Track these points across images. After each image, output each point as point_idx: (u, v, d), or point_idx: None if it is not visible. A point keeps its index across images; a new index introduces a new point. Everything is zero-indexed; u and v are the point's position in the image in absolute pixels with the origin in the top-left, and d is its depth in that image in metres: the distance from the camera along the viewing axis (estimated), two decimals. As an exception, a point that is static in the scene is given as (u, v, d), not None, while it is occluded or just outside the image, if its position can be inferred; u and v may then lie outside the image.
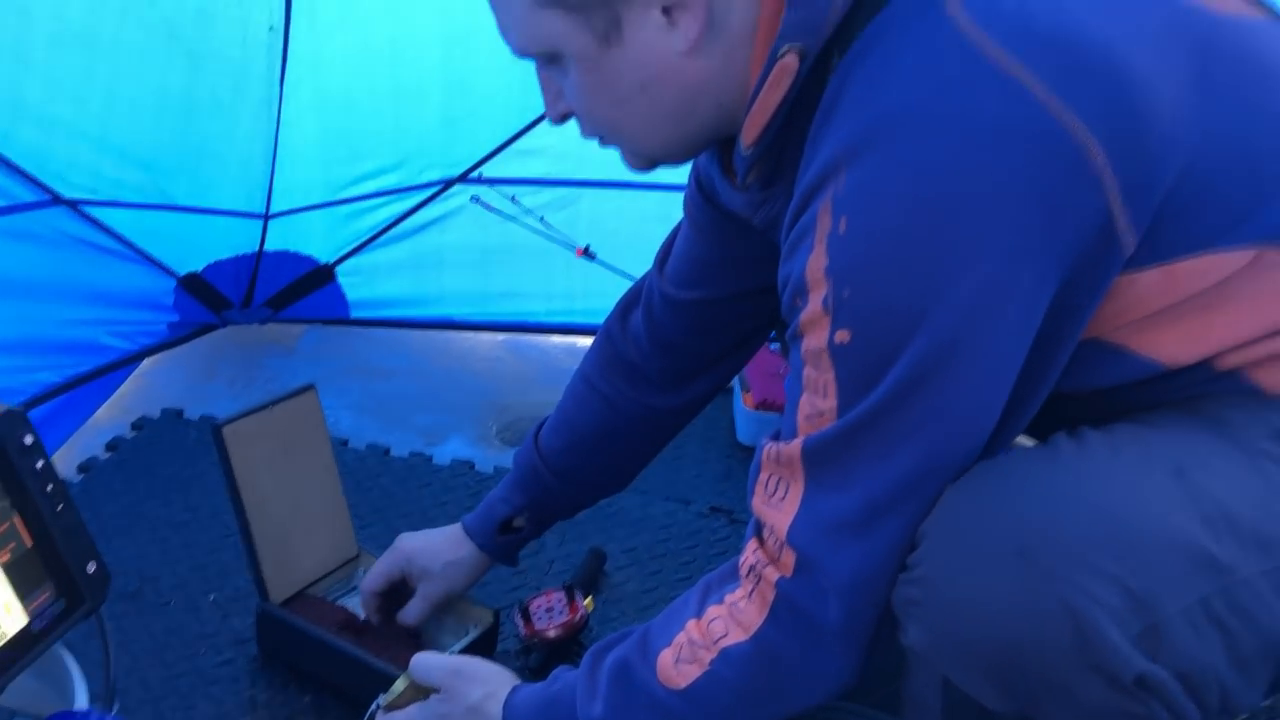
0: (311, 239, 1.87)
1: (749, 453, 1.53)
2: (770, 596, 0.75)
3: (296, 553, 1.20)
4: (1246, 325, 0.72)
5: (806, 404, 0.73)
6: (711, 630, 0.77)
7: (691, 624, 0.79)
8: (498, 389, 1.83)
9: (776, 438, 0.77)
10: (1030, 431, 0.77)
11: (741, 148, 0.79)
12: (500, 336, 1.97)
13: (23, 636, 0.87)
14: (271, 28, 1.61)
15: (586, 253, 1.77)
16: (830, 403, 0.71)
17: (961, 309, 0.67)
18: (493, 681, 0.89)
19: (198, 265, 1.79)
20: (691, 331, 1.08)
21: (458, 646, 1.14)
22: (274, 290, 1.88)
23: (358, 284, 1.91)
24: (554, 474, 1.14)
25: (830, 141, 0.70)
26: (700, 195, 1.01)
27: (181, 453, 1.60)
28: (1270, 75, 0.73)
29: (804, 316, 0.72)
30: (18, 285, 1.53)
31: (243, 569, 1.23)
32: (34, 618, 0.88)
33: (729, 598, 0.78)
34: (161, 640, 1.24)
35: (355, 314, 1.93)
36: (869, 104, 0.69)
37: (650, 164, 0.86)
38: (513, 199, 1.80)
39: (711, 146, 0.87)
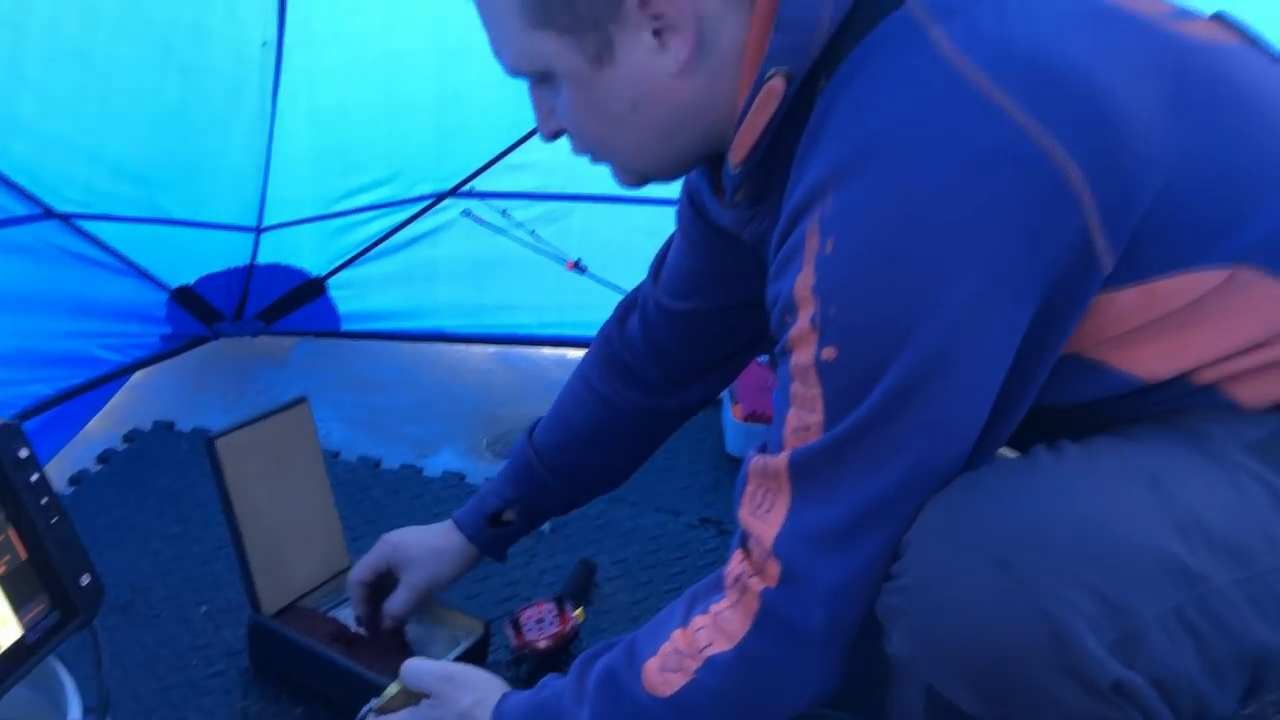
0: (303, 252, 1.88)
1: (738, 464, 1.52)
2: (755, 607, 0.76)
3: (289, 565, 1.20)
4: (1222, 341, 0.73)
5: (794, 418, 0.74)
6: (697, 639, 0.78)
7: (677, 633, 0.80)
8: (489, 401, 1.84)
9: (763, 450, 0.78)
10: (1012, 444, 0.78)
11: (730, 166, 0.80)
12: (491, 349, 1.98)
13: (17, 649, 0.88)
14: (265, 43, 1.63)
15: (577, 266, 1.79)
16: (817, 417, 0.73)
17: (944, 327, 0.69)
18: (483, 688, 0.91)
19: (190, 278, 1.79)
20: (685, 341, 1.10)
21: (449, 657, 1.15)
22: (266, 303, 1.89)
23: (349, 297, 1.92)
24: (548, 469, 1.15)
25: (817, 163, 0.72)
26: (691, 209, 1.03)
27: (173, 465, 1.60)
28: (1245, 98, 0.75)
29: (792, 333, 0.74)
30: (10, 298, 1.53)
31: (234, 581, 1.23)
32: (28, 630, 0.89)
33: (714, 607, 0.79)
34: (153, 652, 1.25)
35: (347, 326, 1.94)
36: (855, 128, 0.71)
37: (640, 181, 0.87)
38: (504, 213, 1.82)
39: (701, 164, 0.89)
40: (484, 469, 1.65)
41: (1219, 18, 0.81)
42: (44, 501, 0.90)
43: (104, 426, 1.69)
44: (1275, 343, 0.73)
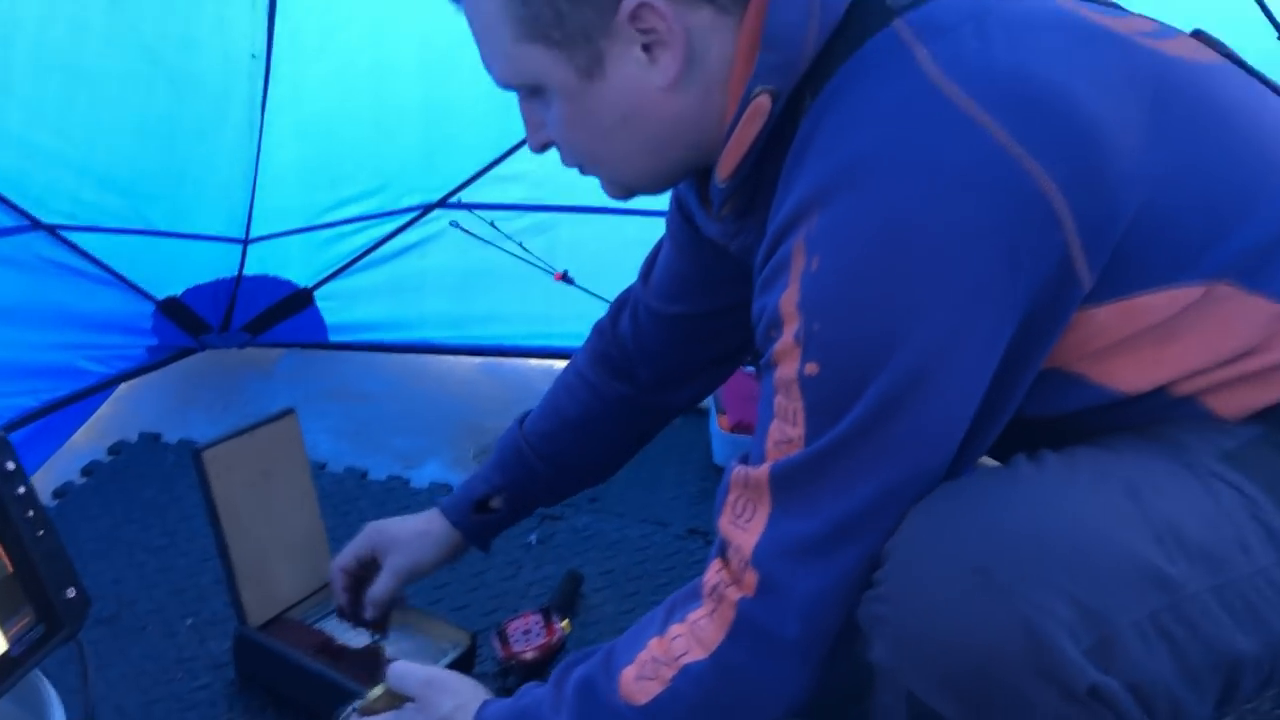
0: (290, 263, 1.88)
1: (725, 475, 1.54)
2: (730, 616, 0.76)
3: (275, 576, 1.20)
4: (1199, 355, 0.75)
5: (776, 430, 0.75)
6: (673, 648, 0.79)
7: (654, 642, 0.80)
8: (476, 412, 1.84)
9: (745, 461, 0.79)
10: (993, 453, 0.79)
11: (717, 180, 0.81)
12: (478, 360, 1.98)
13: (1, 662, 0.88)
14: (254, 54, 1.63)
15: (565, 277, 1.79)
16: (799, 430, 0.73)
17: (926, 345, 0.70)
18: (464, 694, 0.91)
19: (176, 289, 1.79)
20: (674, 343, 1.11)
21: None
22: (252, 314, 1.88)
23: (336, 308, 1.92)
24: (538, 456, 1.15)
25: (803, 181, 0.73)
26: (681, 215, 1.04)
27: (159, 477, 1.60)
28: (1225, 115, 0.76)
29: (777, 347, 0.74)
30: (-5, 309, 1.53)
31: (220, 593, 1.23)
32: (13, 643, 0.89)
33: (690, 616, 0.79)
34: (138, 665, 1.24)
35: (334, 338, 1.93)
36: (840, 147, 0.72)
37: (628, 193, 0.88)
38: (491, 224, 1.82)
39: (689, 177, 0.90)
40: (471, 480, 1.65)
41: (1199, 35, 0.83)
42: (30, 514, 0.90)
43: (89, 438, 1.69)
44: (1251, 355, 0.75)
